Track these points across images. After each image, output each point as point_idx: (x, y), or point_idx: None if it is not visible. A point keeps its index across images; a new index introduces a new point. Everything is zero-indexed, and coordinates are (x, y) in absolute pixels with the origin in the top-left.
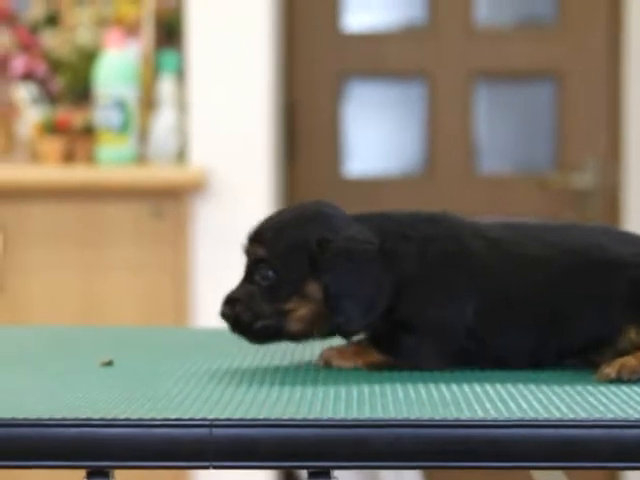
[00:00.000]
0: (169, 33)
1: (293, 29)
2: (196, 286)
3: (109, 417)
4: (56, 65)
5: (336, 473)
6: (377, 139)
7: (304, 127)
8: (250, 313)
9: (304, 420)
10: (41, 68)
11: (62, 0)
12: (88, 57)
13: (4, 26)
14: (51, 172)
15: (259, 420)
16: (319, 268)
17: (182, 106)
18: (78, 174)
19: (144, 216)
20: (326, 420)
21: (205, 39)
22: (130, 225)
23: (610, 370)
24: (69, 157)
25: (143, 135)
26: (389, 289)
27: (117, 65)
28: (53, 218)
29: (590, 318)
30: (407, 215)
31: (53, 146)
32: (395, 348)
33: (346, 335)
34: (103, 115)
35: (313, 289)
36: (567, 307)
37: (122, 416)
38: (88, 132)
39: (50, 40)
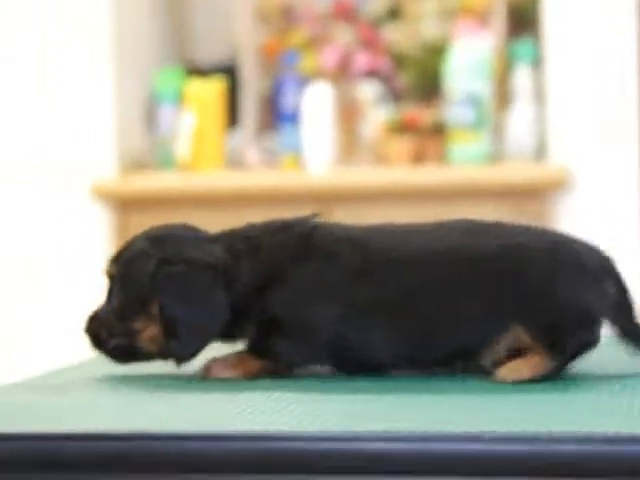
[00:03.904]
0: (523, 20)
1: None
2: None
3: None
4: (400, 60)
5: None
6: None
7: None
8: (106, 331)
9: None
10: (384, 64)
11: None
12: (435, 51)
13: (345, 22)
14: (399, 174)
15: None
16: (156, 290)
17: (540, 99)
18: (428, 175)
19: (502, 218)
20: None
21: (563, 24)
22: None
23: (505, 373)
24: (418, 157)
25: (497, 131)
26: (227, 312)
27: (469, 58)
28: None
29: (465, 320)
30: (260, 227)
31: (401, 146)
32: (270, 353)
33: (180, 359)
34: (455, 112)
35: (157, 310)
36: (440, 310)
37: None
38: (438, 130)
39: (393, 34)
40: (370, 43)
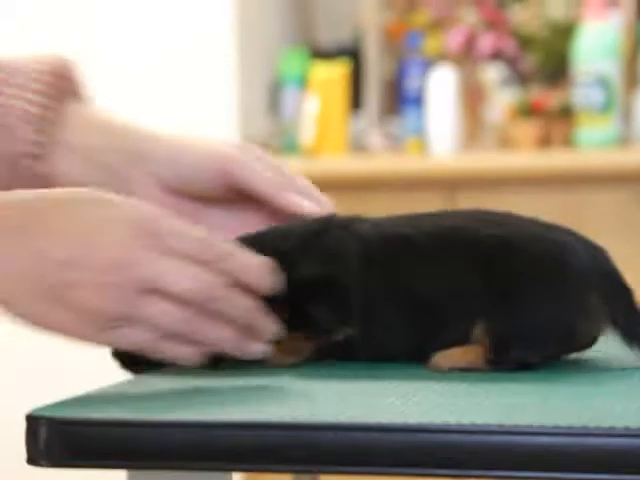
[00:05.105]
0: None
1: None
2: None
3: None
4: (526, 42)
5: None
6: None
7: None
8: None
9: None
10: (510, 46)
11: None
12: (562, 31)
13: (469, 3)
14: (525, 158)
15: None
16: None
17: None
18: (555, 160)
19: (631, 204)
20: None
21: None
22: (615, 215)
23: (439, 360)
24: (545, 141)
25: (626, 114)
26: None
27: (598, 39)
28: (528, 208)
29: (457, 307)
30: (284, 227)
31: (527, 130)
32: (307, 321)
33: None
34: (583, 94)
35: None
36: (438, 296)
37: None
38: (565, 114)
39: (519, 15)
40: (495, 24)
